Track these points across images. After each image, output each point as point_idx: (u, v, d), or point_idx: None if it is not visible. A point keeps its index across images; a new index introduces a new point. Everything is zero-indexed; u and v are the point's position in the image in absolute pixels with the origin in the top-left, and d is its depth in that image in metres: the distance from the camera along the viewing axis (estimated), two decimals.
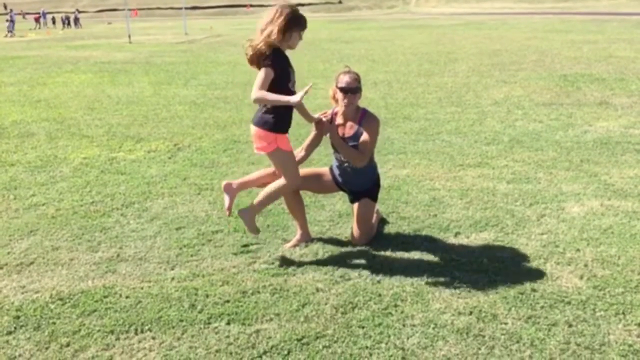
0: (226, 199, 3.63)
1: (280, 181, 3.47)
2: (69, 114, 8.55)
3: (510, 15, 44.91)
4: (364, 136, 3.60)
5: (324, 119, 3.71)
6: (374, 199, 3.84)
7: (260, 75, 3.21)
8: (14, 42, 27.35)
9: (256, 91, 3.18)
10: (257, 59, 3.24)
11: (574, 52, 15.01)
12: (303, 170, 3.73)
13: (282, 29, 3.23)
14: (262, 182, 3.69)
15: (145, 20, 58.59)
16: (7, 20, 40.99)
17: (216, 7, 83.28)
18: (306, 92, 3.17)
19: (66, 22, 48.09)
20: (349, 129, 3.67)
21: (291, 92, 3.32)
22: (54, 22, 50.67)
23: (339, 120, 3.71)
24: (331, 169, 3.94)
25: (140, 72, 13.64)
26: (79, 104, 9.42)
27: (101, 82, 12.10)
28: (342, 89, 3.56)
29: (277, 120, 3.31)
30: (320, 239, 3.85)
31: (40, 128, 7.57)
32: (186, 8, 43.96)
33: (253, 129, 3.40)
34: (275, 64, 3.22)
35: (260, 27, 3.28)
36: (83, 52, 20.01)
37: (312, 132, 3.80)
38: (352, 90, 3.55)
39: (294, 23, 3.28)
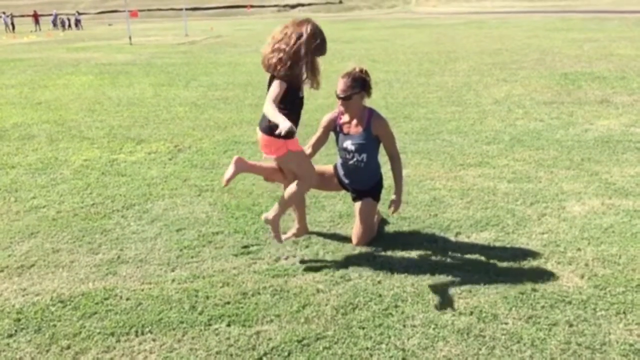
0: (230, 171, 3.54)
1: (296, 183, 3.44)
2: (70, 116, 8.56)
3: (511, 14, 44.85)
4: (387, 144, 3.73)
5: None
6: (377, 198, 3.84)
7: (275, 88, 3.16)
8: (15, 44, 27.39)
9: (269, 102, 3.10)
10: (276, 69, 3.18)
11: (575, 51, 14.98)
12: None
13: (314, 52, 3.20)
14: (270, 174, 3.68)
15: (146, 21, 58.62)
16: (9, 23, 41.21)
17: (217, 8, 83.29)
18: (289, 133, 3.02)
19: (67, 24, 48.14)
20: (354, 128, 3.68)
21: (299, 99, 3.32)
22: (54, 25, 50.71)
23: (344, 118, 3.72)
24: (335, 167, 3.95)
25: (141, 74, 13.65)
26: (79, 105, 9.43)
27: (102, 83, 12.11)
28: (336, 96, 3.58)
29: None
30: (320, 240, 3.85)
31: (41, 130, 7.58)
32: (187, 9, 43.96)
33: (260, 134, 3.38)
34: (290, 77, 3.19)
35: (284, 40, 3.17)
36: (84, 54, 20.02)
37: (319, 130, 3.80)
38: (344, 98, 3.56)
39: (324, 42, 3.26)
